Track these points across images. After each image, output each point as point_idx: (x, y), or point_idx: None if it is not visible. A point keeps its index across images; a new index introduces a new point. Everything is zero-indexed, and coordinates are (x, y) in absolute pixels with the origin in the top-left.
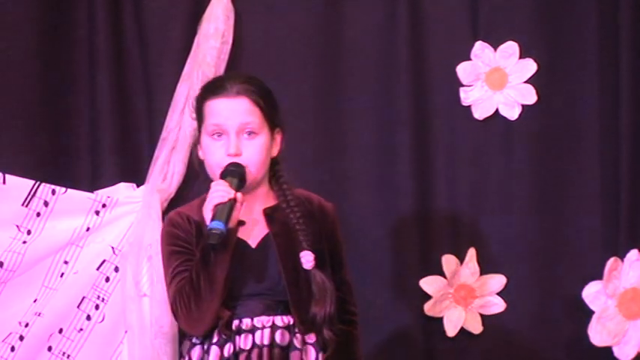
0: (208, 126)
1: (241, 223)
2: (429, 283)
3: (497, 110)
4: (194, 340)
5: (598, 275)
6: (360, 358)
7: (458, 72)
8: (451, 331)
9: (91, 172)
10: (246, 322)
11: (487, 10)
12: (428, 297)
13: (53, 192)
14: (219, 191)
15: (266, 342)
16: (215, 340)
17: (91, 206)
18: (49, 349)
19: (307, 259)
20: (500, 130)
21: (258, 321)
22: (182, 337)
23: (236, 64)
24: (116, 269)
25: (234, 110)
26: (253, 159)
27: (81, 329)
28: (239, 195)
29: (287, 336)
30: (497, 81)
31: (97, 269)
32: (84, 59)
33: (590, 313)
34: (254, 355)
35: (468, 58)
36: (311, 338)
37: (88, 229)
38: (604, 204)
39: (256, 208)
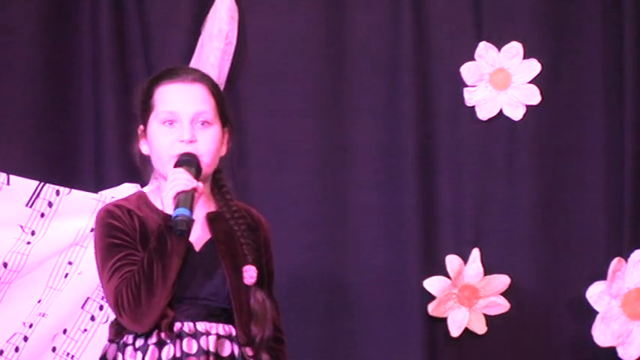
0: (160, 113)
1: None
2: (432, 284)
3: (501, 111)
4: (125, 339)
5: (602, 276)
6: None
7: (462, 72)
8: (455, 331)
9: (95, 172)
10: (189, 326)
11: (491, 10)
12: (432, 297)
13: (57, 192)
14: (182, 179)
15: (212, 349)
16: (154, 340)
17: (95, 207)
18: (54, 349)
19: (250, 274)
20: (504, 130)
21: (200, 326)
22: (111, 340)
23: (240, 65)
24: None
25: (190, 97)
26: (207, 148)
27: (85, 330)
28: (200, 184)
29: (230, 346)
30: (501, 81)
31: None
32: (87, 60)
33: (594, 313)
34: None
35: (472, 59)
36: (250, 351)
37: (92, 230)
38: (608, 204)
39: (199, 211)
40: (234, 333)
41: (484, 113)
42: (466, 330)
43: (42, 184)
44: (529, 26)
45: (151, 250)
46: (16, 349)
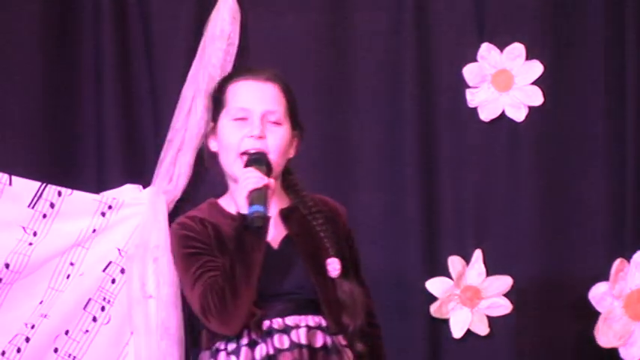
0: (232, 110)
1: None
2: (435, 285)
3: (503, 112)
4: (218, 345)
5: (604, 276)
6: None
7: (464, 73)
8: (457, 332)
9: (97, 173)
10: (277, 322)
11: (493, 11)
12: (434, 298)
13: (59, 193)
14: (253, 177)
15: (303, 342)
16: (245, 341)
17: (97, 208)
18: (55, 350)
19: (334, 266)
20: (507, 131)
21: (289, 320)
22: (202, 347)
23: (242, 66)
24: (122, 271)
25: (263, 95)
26: (276, 146)
27: (87, 331)
28: (271, 181)
29: (322, 337)
30: (503, 82)
31: (103, 271)
32: (90, 61)
33: (597, 314)
34: (296, 354)
35: (474, 60)
36: (343, 340)
37: (94, 231)
38: (610, 205)
39: (270, 210)
40: (323, 323)
41: (486, 114)
42: (468, 331)
43: (44, 185)
44: (531, 27)
45: (231, 251)
46: (18, 350)
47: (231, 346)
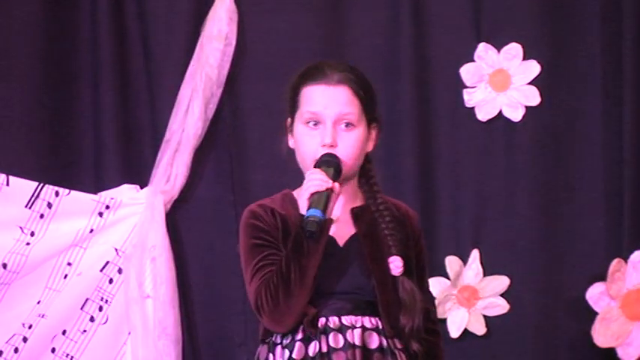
0: (304, 113)
1: (331, 220)
2: (432, 285)
3: (500, 112)
4: (274, 339)
5: (601, 276)
6: None
7: (461, 73)
8: (455, 332)
9: (94, 173)
10: (333, 321)
11: (490, 11)
12: None
13: (57, 194)
14: (316, 180)
15: (357, 342)
16: (299, 337)
17: (94, 208)
18: (53, 350)
19: (396, 264)
20: (504, 131)
21: (346, 320)
22: (262, 340)
23: (239, 66)
24: (120, 271)
25: (334, 99)
26: (348, 152)
27: (84, 331)
28: (336, 185)
29: (378, 338)
30: (500, 82)
31: (101, 271)
32: (87, 61)
33: (594, 314)
34: (349, 354)
35: (472, 60)
36: (399, 344)
37: (91, 231)
38: (607, 205)
39: (344, 207)
40: (380, 326)
41: (484, 114)
42: (466, 331)
43: (41, 185)
44: (528, 27)
45: (288, 251)
46: (16, 350)
47: (286, 340)
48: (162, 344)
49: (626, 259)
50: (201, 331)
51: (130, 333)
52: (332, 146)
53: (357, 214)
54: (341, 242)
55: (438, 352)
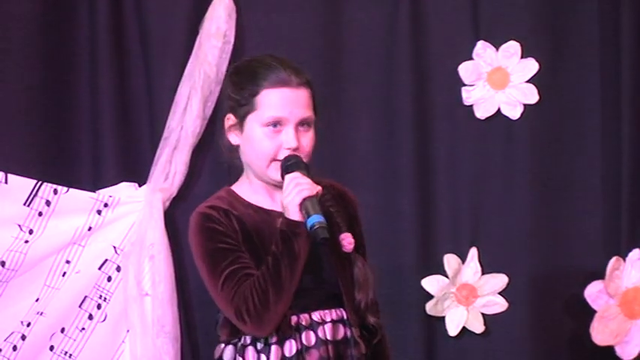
0: (265, 117)
1: None
2: (430, 283)
3: (499, 110)
4: (243, 341)
5: (600, 275)
6: (389, 349)
7: (460, 71)
8: (453, 330)
9: (92, 171)
10: (304, 318)
11: (489, 9)
12: (430, 296)
13: (55, 191)
14: (306, 184)
15: (329, 337)
16: (274, 339)
17: (92, 206)
18: (51, 348)
19: (348, 240)
20: (502, 129)
21: (315, 316)
22: (226, 341)
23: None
24: (118, 269)
25: (297, 103)
26: (307, 151)
27: (83, 328)
28: (320, 188)
29: (343, 330)
30: (499, 80)
31: (99, 268)
32: (85, 59)
33: (592, 312)
34: (322, 351)
35: (470, 58)
36: (358, 332)
37: (90, 229)
38: (606, 203)
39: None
40: (345, 316)
41: (482, 112)
42: (464, 329)
43: (40, 182)
44: (527, 25)
45: (276, 254)
46: (14, 348)
47: (260, 344)
48: (160, 342)
49: (624, 257)
50: (199, 328)
51: (128, 331)
52: (296, 149)
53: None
54: None
55: (383, 331)
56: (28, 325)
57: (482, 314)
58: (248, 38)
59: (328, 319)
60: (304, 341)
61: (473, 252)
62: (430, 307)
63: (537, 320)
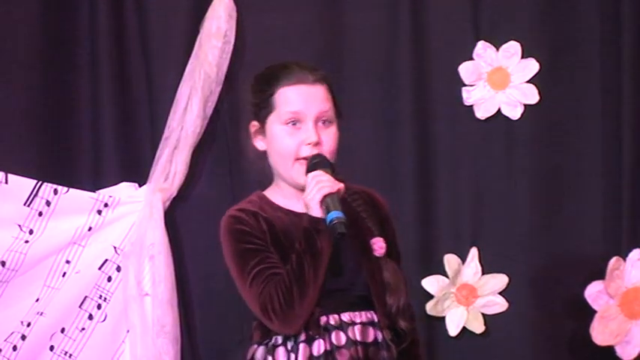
0: (283, 114)
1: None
2: (430, 283)
3: (499, 110)
4: (274, 341)
5: (600, 275)
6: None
7: (460, 72)
8: (453, 330)
9: (93, 171)
10: (334, 318)
11: (489, 9)
12: (430, 296)
13: (55, 191)
14: (327, 181)
15: (359, 338)
16: (302, 338)
17: (93, 206)
18: (51, 348)
19: (379, 244)
20: (503, 129)
21: (345, 317)
22: (258, 342)
23: (238, 64)
24: (118, 269)
25: (313, 97)
26: (331, 148)
27: (83, 329)
28: (342, 185)
29: (373, 332)
30: (499, 81)
31: (99, 269)
32: (86, 59)
33: (592, 312)
34: (352, 351)
35: (470, 58)
36: (389, 334)
37: (90, 229)
38: (606, 203)
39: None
40: (375, 319)
41: (482, 112)
42: (464, 329)
43: (40, 183)
44: (527, 25)
45: (299, 252)
46: (14, 348)
47: (290, 343)
48: (160, 342)
49: (624, 257)
50: (199, 328)
51: (128, 331)
52: (317, 144)
53: None
54: None
55: (416, 335)
56: (28, 325)
57: (483, 314)
58: (248, 38)
59: (358, 321)
60: (334, 341)
61: (473, 252)
62: (430, 307)
63: (537, 320)
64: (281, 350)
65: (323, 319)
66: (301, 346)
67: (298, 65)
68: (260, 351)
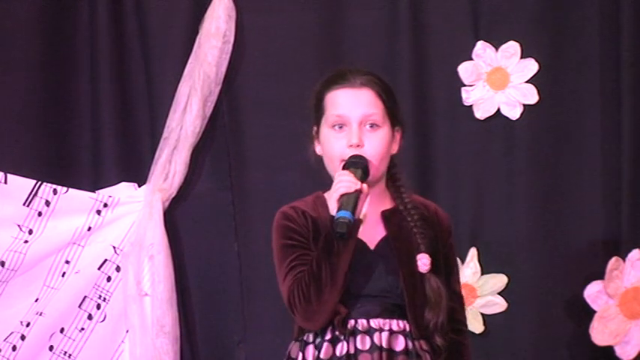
0: (330, 117)
1: (360, 221)
2: None
3: (498, 110)
4: (306, 338)
5: (599, 275)
6: None
7: (459, 72)
8: None
9: (92, 171)
10: (362, 323)
11: (488, 10)
12: None
13: (55, 191)
14: (345, 181)
15: (384, 345)
16: (328, 337)
17: (92, 206)
18: (51, 348)
19: (424, 261)
20: (502, 129)
21: (374, 323)
22: (295, 338)
23: (237, 64)
24: (117, 269)
25: (358, 101)
26: (375, 151)
27: (82, 329)
28: (364, 186)
29: (404, 341)
30: (498, 81)
31: (99, 269)
32: (86, 59)
33: (592, 312)
34: (375, 356)
35: (470, 58)
36: (425, 345)
37: (89, 229)
38: (605, 204)
39: (374, 210)
40: (407, 329)
41: (482, 112)
42: None
43: (39, 183)
44: (526, 26)
45: (319, 251)
46: (14, 348)
47: (317, 340)
48: (160, 342)
49: (623, 257)
50: (199, 329)
51: (128, 331)
52: (359, 146)
53: (387, 217)
54: (372, 245)
55: (464, 350)
56: (28, 325)
57: (482, 314)
58: (248, 38)
59: (387, 328)
60: (358, 345)
61: (472, 252)
62: None
63: (537, 320)
64: (311, 348)
65: (351, 322)
66: (325, 344)
67: (351, 70)
68: (295, 347)
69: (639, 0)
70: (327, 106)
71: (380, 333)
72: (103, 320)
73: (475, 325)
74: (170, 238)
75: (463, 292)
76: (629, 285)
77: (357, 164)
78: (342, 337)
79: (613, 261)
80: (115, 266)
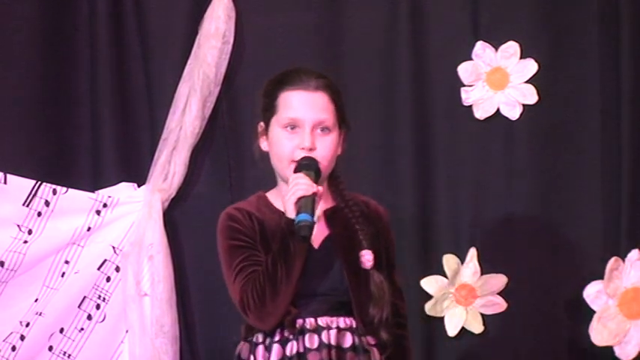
0: (282, 118)
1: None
2: (429, 283)
3: (498, 110)
4: (255, 339)
5: (599, 275)
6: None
7: (459, 72)
8: (452, 330)
9: (92, 171)
10: (310, 322)
11: (488, 9)
12: (429, 297)
13: (54, 192)
14: (303, 184)
15: (333, 342)
16: (277, 338)
17: (92, 206)
18: (50, 348)
19: (367, 257)
20: (502, 130)
21: (322, 321)
22: (244, 339)
23: (237, 64)
24: (117, 269)
25: (313, 105)
26: (325, 155)
27: (82, 329)
28: (320, 188)
29: (351, 338)
30: (498, 81)
31: (98, 269)
32: (85, 59)
33: (591, 312)
34: (324, 354)
35: (469, 58)
36: (372, 340)
37: (89, 229)
38: (605, 204)
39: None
40: (354, 325)
41: (481, 113)
42: (463, 329)
43: (39, 183)
44: (526, 26)
45: (274, 252)
46: (13, 348)
47: (267, 341)
48: (159, 342)
49: (623, 257)
50: (199, 329)
51: (127, 331)
52: (311, 150)
53: (329, 216)
54: (316, 244)
55: (407, 343)
56: (27, 325)
57: (482, 314)
58: (247, 38)
59: (334, 326)
60: (307, 343)
61: (472, 252)
62: (429, 308)
63: (536, 320)
64: (261, 349)
65: (299, 321)
66: (275, 346)
67: (304, 71)
68: (245, 348)
69: (639, 0)
70: (279, 107)
71: (328, 331)
72: (102, 320)
73: (475, 325)
74: (170, 238)
75: (463, 292)
76: (628, 285)
77: (309, 166)
78: (292, 337)
79: (613, 261)
80: (114, 266)
